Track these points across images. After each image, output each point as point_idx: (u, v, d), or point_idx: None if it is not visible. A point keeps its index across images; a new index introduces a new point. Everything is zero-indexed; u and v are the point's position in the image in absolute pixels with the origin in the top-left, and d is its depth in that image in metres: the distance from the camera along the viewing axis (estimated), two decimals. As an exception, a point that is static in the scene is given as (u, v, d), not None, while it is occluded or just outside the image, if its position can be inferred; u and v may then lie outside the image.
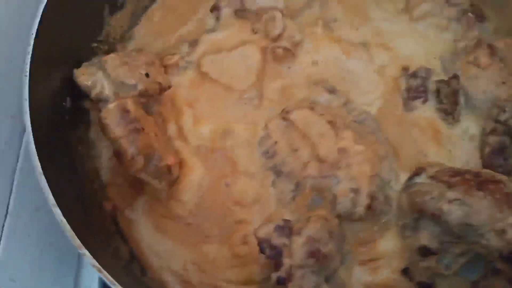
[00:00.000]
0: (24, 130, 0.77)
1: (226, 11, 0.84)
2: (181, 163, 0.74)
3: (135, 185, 0.74)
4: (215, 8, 0.86)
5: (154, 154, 0.68)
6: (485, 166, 0.72)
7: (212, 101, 0.79)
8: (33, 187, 0.72)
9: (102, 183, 0.76)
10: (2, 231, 0.73)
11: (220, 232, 0.71)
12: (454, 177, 0.66)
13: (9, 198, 0.76)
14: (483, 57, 0.77)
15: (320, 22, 0.84)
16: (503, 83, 0.75)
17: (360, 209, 0.69)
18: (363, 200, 0.69)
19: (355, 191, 0.69)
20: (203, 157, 0.75)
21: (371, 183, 0.70)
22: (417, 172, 0.71)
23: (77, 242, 0.55)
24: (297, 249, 0.63)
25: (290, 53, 0.81)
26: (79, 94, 0.75)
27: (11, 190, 0.76)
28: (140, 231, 0.73)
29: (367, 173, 0.70)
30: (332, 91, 0.79)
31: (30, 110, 0.61)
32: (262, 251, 0.64)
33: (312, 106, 0.76)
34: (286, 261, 0.63)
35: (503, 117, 0.72)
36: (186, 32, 0.85)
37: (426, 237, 0.66)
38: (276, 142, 0.74)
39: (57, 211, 0.56)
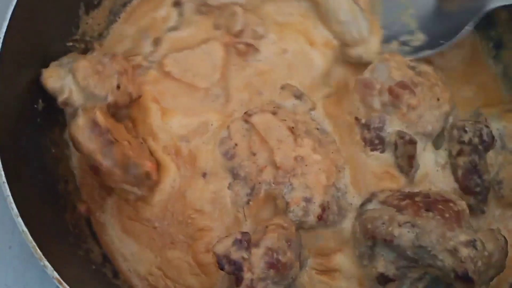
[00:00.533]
0: None
1: (188, 7, 0.82)
2: (157, 166, 0.73)
3: (105, 185, 0.73)
4: (176, 3, 0.84)
5: (130, 163, 0.67)
6: (463, 188, 0.71)
7: (178, 97, 0.77)
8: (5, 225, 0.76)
9: (76, 184, 0.75)
10: None
11: (184, 239, 0.71)
12: (403, 200, 0.66)
13: None
14: (409, 99, 0.73)
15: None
16: (438, 99, 0.74)
17: (311, 219, 0.68)
18: (315, 210, 0.68)
19: (307, 200, 0.69)
20: (173, 156, 0.75)
21: (325, 193, 0.69)
22: (369, 199, 0.70)
23: (38, 253, 0.55)
24: (256, 262, 0.62)
25: (252, 48, 0.80)
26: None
27: None
28: (109, 234, 0.73)
29: (322, 182, 0.70)
30: (298, 96, 0.77)
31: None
32: (221, 267, 0.63)
33: (275, 111, 0.75)
34: (247, 276, 0.62)
35: (466, 137, 0.71)
36: (149, 28, 0.83)
37: (382, 264, 0.65)
38: (236, 145, 0.73)
39: (20, 221, 0.56)
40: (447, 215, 0.63)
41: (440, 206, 0.64)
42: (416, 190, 0.70)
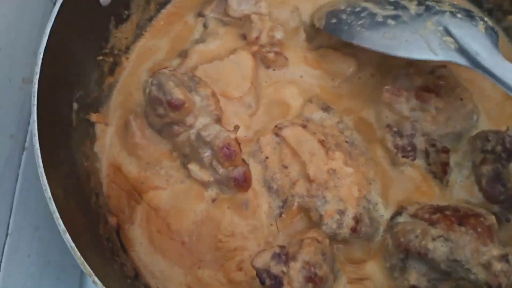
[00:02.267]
0: (23, 149, 0.78)
1: (211, 19, 0.84)
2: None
3: (133, 194, 0.74)
4: (200, 14, 0.85)
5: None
6: (486, 197, 0.72)
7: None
8: (32, 206, 0.73)
9: (105, 197, 0.75)
10: (2, 252, 0.73)
11: (214, 258, 0.71)
12: (434, 214, 0.67)
13: (9, 218, 0.75)
14: (436, 102, 0.75)
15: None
16: (461, 99, 0.76)
17: (345, 231, 0.69)
18: (349, 222, 0.69)
19: (341, 212, 0.70)
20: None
21: (357, 205, 0.70)
22: (399, 212, 0.71)
23: (87, 269, 0.55)
24: (295, 276, 0.63)
25: (281, 56, 0.81)
26: (84, 108, 0.75)
27: (11, 210, 0.76)
28: (137, 249, 0.73)
29: (354, 195, 0.71)
30: (326, 109, 0.79)
31: (38, 131, 0.60)
32: (262, 282, 0.63)
33: (304, 124, 0.76)
34: None
35: (489, 146, 0.72)
36: (175, 41, 0.85)
37: (414, 276, 0.67)
38: (267, 157, 0.74)
39: (67, 237, 0.56)
40: (479, 230, 0.64)
41: (472, 221, 0.65)
42: (444, 203, 0.72)
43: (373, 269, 0.71)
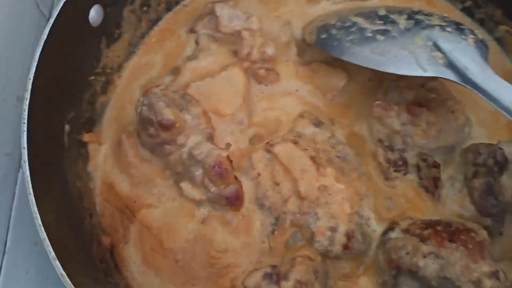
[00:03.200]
0: (19, 167, 0.78)
1: (203, 36, 0.84)
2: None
3: (126, 213, 0.74)
4: (192, 31, 0.85)
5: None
6: (479, 210, 0.72)
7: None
8: (30, 222, 0.72)
9: (99, 216, 0.76)
10: (0, 269, 0.74)
11: (207, 275, 0.71)
12: (426, 230, 0.67)
13: (7, 236, 0.76)
14: (427, 116, 0.75)
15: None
16: (453, 112, 0.76)
17: (337, 248, 0.69)
18: (340, 239, 0.69)
19: (333, 229, 0.69)
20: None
21: (349, 221, 0.70)
22: (391, 227, 0.71)
23: None
24: None
25: (273, 72, 0.81)
26: (77, 128, 0.75)
27: (8, 227, 0.77)
28: (131, 269, 0.73)
29: (346, 211, 0.71)
30: (317, 124, 0.78)
31: (28, 157, 0.61)
32: None
33: (296, 140, 0.76)
34: None
35: (480, 159, 0.72)
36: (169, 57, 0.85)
37: None
38: (259, 174, 0.74)
39: (58, 265, 0.56)
40: (470, 246, 0.64)
41: (462, 237, 0.65)
42: (437, 217, 0.71)
43: (366, 284, 0.71)
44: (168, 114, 0.70)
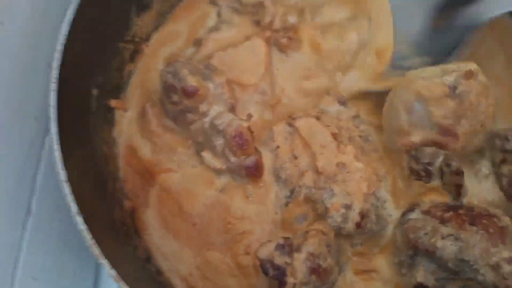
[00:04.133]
0: (47, 132, 0.78)
1: (225, 8, 0.83)
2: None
3: (146, 177, 0.75)
4: (212, 2, 0.85)
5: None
6: (508, 196, 0.69)
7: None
8: (54, 188, 0.74)
9: (122, 181, 0.77)
10: (25, 231, 0.74)
11: (223, 241, 0.72)
12: (447, 212, 0.65)
13: (31, 199, 0.76)
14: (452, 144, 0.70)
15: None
16: (481, 125, 0.70)
17: (350, 226, 0.68)
18: (354, 217, 0.68)
19: (347, 207, 0.68)
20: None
21: (365, 201, 0.69)
22: (411, 208, 0.69)
23: (96, 251, 0.57)
24: (299, 267, 0.63)
25: (294, 41, 0.79)
26: (104, 93, 0.76)
27: (34, 191, 0.77)
28: (150, 232, 0.74)
29: (363, 190, 0.69)
30: (343, 102, 0.77)
31: (56, 117, 0.62)
32: (265, 272, 0.63)
33: (319, 116, 0.74)
34: (290, 280, 0.62)
35: (509, 146, 0.69)
36: (194, 29, 0.85)
37: (422, 274, 0.65)
38: (278, 147, 0.73)
39: (79, 220, 0.58)
40: (491, 230, 0.61)
41: (484, 221, 0.62)
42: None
43: (382, 263, 0.70)
44: (191, 81, 0.70)
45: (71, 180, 0.59)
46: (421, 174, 0.71)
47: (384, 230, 0.71)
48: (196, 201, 0.74)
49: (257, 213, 0.72)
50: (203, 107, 0.73)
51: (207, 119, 0.73)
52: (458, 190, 0.70)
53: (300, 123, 0.74)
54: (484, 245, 0.61)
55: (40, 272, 0.74)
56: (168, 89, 0.72)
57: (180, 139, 0.77)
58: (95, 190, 0.69)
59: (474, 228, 0.62)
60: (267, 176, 0.73)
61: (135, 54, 0.83)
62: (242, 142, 0.71)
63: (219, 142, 0.72)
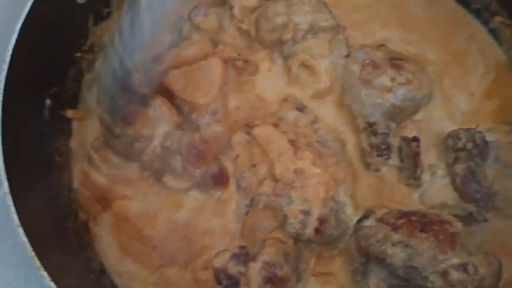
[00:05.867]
0: None
1: (186, 24, 0.82)
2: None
3: (100, 201, 0.74)
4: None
5: None
6: (462, 196, 0.70)
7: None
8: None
9: (77, 193, 0.75)
10: None
11: (184, 257, 0.71)
12: (400, 219, 0.65)
13: None
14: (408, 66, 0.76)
15: None
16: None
17: (309, 231, 0.68)
18: (313, 223, 0.68)
19: (306, 213, 0.68)
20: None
21: (323, 206, 0.69)
22: (366, 215, 0.69)
23: (37, 263, 0.55)
24: (253, 276, 0.63)
25: (252, 64, 0.79)
26: (59, 103, 0.75)
27: None
28: (104, 249, 0.73)
29: (321, 195, 0.69)
30: (301, 108, 0.77)
31: (3, 132, 0.61)
32: (219, 282, 0.63)
33: (277, 123, 0.74)
34: None
35: (460, 144, 0.70)
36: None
37: (374, 282, 0.65)
38: (237, 156, 0.73)
39: (20, 231, 0.56)
40: (441, 237, 0.62)
41: (435, 227, 0.63)
42: (417, 208, 0.70)
43: (340, 267, 0.70)
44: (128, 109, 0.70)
45: (14, 190, 0.58)
46: (382, 147, 0.73)
47: (346, 233, 0.71)
48: (159, 224, 0.73)
49: (219, 226, 0.72)
50: (147, 131, 0.72)
51: (156, 143, 0.72)
52: (415, 160, 0.72)
53: (257, 131, 0.73)
54: (432, 252, 0.61)
55: (3, 285, 0.74)
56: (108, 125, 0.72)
57: (136, 174, 0.76)
58: (44, 200, 0.68)
59: (424, 235, 0.62)
60: (230, 185, 0.73)
61: (94, 63, 0.82)
62: (198, 153, 0.71)
63: (177, 161, 0.72)
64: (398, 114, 0.75)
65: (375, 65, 0.75)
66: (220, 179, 0.72)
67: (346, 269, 0.69)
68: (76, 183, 0.76)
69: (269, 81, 0.80)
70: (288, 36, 0.78)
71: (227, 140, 0.75)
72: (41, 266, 0.56)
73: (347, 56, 0.78)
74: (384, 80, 0.74)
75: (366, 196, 0.73)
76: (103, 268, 0.72)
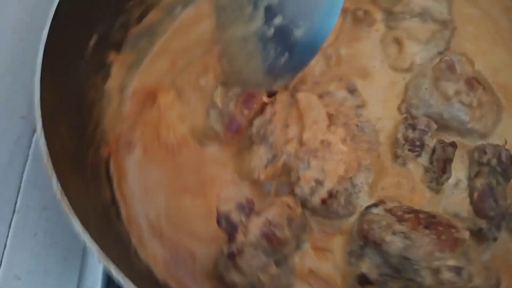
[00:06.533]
0: (34, 131, 0.79)
1: None
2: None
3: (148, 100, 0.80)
4: None
5: None
6: (476, 211, 0.68)
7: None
8: (41, 186, 0.76)
9: (105, 129, 0.78)
10: (9, 229, 0.75)
11: (196, 184, 0.74)
12: (408, 214, 0.64)
13: (17, 197, 0.77)
14: (481, 94, 0.73)
15: None
16: (497, 106, 0.76)
17: (316, 200, 0.68)
18: (322, 193, 0.68)
19: (318, 182, 0.69)
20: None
21: (338, 183, 0.69)
22: (376, 204, 0.69)
23: (57, 186, 0.57)
24: (253, 229, 0.64)
25: (371, 17, 0.83)
26: (103, 44, 0.78)
27: (19, 189, 0.78)
28: (127, 179, 0.77)
29: (339, 172, 0.69)
30: (352, 90, 0.78)
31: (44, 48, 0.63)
32: (218, 223, 0.65)
33: (322, 95, 0.75)
34: (240, 237, 0.63)
35: (485, 158, 0.69)
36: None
37: (367, 266, 0.64)
38: (275, 112, 0.75)
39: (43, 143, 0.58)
40: (443, 237, 0.61)
41: (440, 228, 0.62)
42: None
43: (339, 246, 0.70)
44: None
45: (45, 104, 0.61)
46: (415, 143, 0.72)
47: (351, 215, 0.71)
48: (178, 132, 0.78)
49: (232, 161, 0.75)
50: None
51: None
52: (445, 166, 0.70)
53: (301, 96, 0.75)
54: (430, 247, 0.60)
55: (24, 272, 0.74)
56: None
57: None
58: (72, 126, 0.70)
59: (427, 231, 0.62)
60: (257, 136, 0.75)
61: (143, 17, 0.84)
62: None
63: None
64: (439, 124, 0.74)
65: (451, 67, 0.74)
66: (232, 129, 0.75)
67: (344, 250, 0.69)
68: (109, 121, 0.80)
69: (372, 41, 0.83)
70: (399, 9, 0.81)
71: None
72: (62, 191, 0.57)
73: (441, 53, 0.79)
74: (449, 86, 0.74)
75: (386, 187, 0.73)
76: (113, 201, 0.75)
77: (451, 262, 0.59)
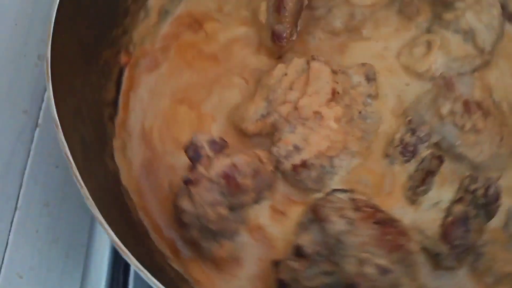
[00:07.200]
0: (36, 125, 0.79)
1: None
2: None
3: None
4: None
5: None
6: (443, 235, 0.67)
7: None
8: (43, 182, 0.75)
9: (132, 40, 0.79)
10: (11, 226, 0.74)
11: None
12: (368, 208, 0.63)
13: (19, 193, 0.76)
14: (477, 120, 0.69)
15: None
16: (501, 139, 0.71)
17: (287, 164, 0.68)
18: (296, 159, 0.68)
19: (297, 148, 0.69)
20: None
21: (316, 157, 0.69)
22: (345, 190, 0.67)
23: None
24: (216, 165, 0.64)
25: (417, 13, 0.83)
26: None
27: (21, 185, 0.77)
28: (138, 90, 0.79)
29: (320, 148, 0.69)
30: (369, 79, 0.77)
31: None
32: (185, 149, 0.66)
33: (337, 71, 0.75)
34: (200, 169, 0.64)
35: (473, 187, 0.67)
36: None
37: (307, 239, 0.64)
38: (286, 74, 0.75)
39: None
40: (387, 237, 0.59)
41: (390, 229, 0.60)
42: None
43: (296, 215, 0.70)
44: None
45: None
46: (408, 148, 0.71)
47: (318, 193, 0.71)
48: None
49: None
50: None
51: None
52: (426, 177, 0.70)
53: (314, 65, 0.75)
54: (367, 240, 0.59)
55: (26, 269, 0.74)
56: None
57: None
58: (91, 21, 0.70)
59: (374, 225, 0.60)
60: (261, 91, 0.76)
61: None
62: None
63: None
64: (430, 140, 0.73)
65: (449, 85, 0.72)
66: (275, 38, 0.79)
67: (298, 220, 0.69)
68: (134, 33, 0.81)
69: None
70: (448, 17, 0.80)
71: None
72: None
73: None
74: (445, 105, 0.71)
75: (363, 181, 0.72)
76: (115, 103, 0.76)
77: (381, 261, 0.58)
